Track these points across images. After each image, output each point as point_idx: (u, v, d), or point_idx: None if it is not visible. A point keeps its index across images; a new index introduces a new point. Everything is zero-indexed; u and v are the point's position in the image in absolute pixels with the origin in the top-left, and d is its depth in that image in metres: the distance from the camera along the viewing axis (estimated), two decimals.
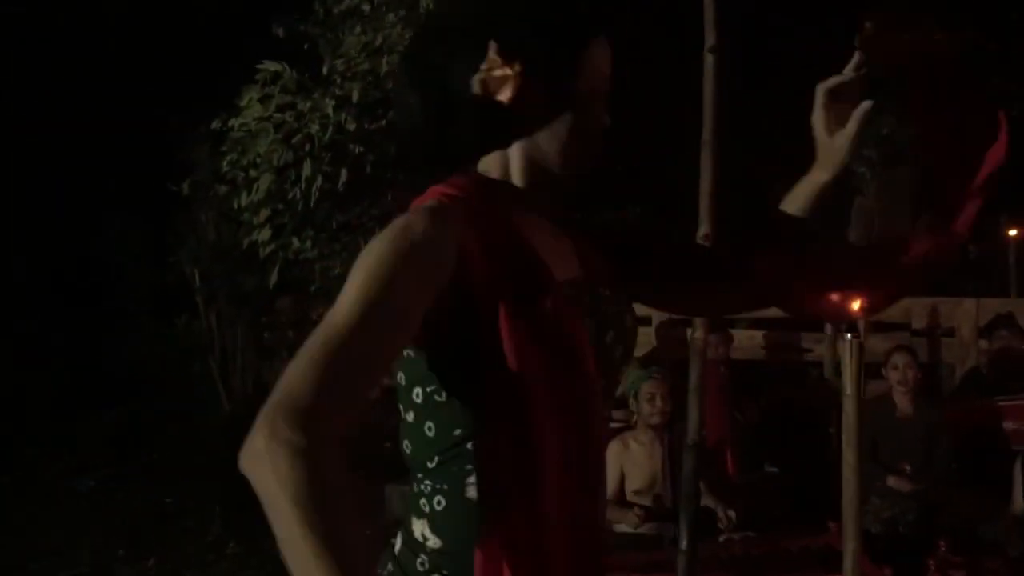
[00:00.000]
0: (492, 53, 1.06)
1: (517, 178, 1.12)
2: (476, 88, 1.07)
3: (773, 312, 5.29)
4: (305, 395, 0.82)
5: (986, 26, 5.98)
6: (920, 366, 4.43)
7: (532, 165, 1.12)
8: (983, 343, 5.11)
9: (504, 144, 1.11)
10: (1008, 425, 4.45)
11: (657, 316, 5.70)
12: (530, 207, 1.13)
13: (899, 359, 4.29)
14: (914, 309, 5.63)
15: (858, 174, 6.32)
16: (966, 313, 5.44)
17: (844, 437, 2.55)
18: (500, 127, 1.09)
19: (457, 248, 0.98)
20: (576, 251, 1.17)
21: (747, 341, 5.69)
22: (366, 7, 4.49)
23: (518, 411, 0.97)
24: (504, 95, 1.07)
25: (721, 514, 3.89)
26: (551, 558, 0.98)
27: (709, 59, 3.18)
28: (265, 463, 0.79)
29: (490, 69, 1.06)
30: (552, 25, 1.10)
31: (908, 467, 4.04)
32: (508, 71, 1.06)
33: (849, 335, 2.55)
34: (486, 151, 1.12)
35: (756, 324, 6.01)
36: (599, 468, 1.11)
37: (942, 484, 4.02)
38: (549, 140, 1.11)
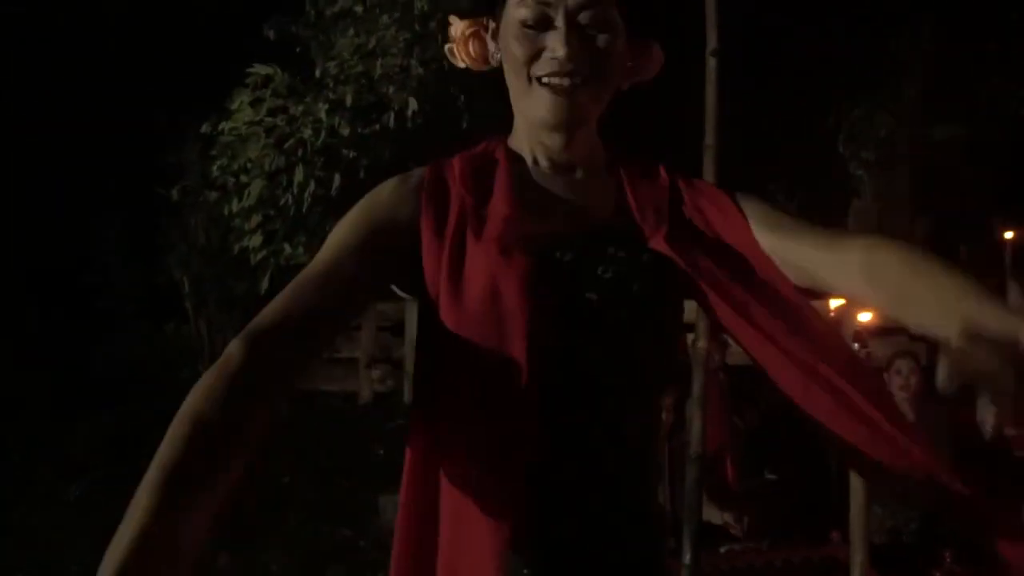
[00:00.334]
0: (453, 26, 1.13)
1: (516, 134, 1.11)
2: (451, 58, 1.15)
3: None
4: (257, 320, 0.93)
5: (986, 26, 5.97)
6: (923, 371, 4.41)
7: (517, 116, 1.10)
8: None
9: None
10: (1009, 431, 4.44)
11: None
12: (518, 158, 1.09)
13: (903, 365, 4.27)
14: None
15: (856, 176, 6.31)
16: None
17: None
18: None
19: (417, 200, 1.03)
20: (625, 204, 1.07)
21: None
22: (359, 8, 4.43)
23: (429, 338, 1.01)
24: (460, 59, 1.13)
25: (731, 522, 3.85)
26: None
27: (711, 62, 3.15)
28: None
29: (454, 40, 1.12)
30: None
31: None
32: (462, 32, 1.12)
33: (856, 345, 2.51)
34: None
35: None
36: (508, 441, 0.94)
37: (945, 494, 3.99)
38: (510, 88, 1.07)
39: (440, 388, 0.99)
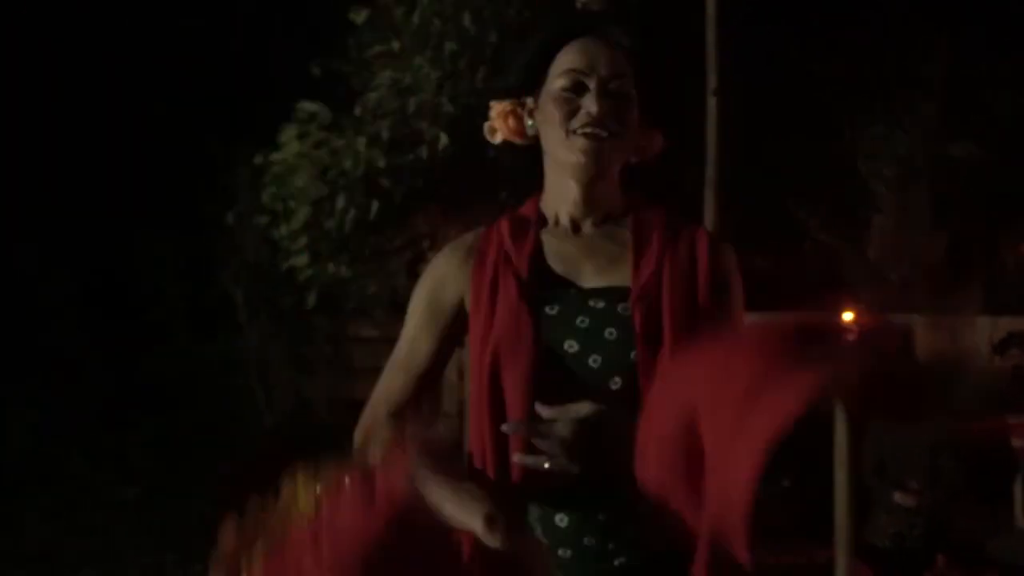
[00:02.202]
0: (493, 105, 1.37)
1: (547, 193, 1.35)
2: (489, 136, 1.39)
3: None
4: (367, 411, 1.37)
5: (1003, 44, 6.07)
6: None
7: (549, 174, 1.34)
8: (998, 360, 5.19)
9: (532, 176, 1.38)
10: (1017, 443, 4.53)
11: None
12: (543, 220, 1.34)
13: None
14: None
15: (876, 192, 6.44)
16: (981, 330, 5.53)
17: (836, 458, 2.71)
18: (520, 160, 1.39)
19: (468, 266, 1.32)
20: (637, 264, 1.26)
21: None
22: (395, 46, 4.77)
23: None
24: (501, 134, 1.37)
25: None
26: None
27: (711, 101, 3.42)
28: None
29: (494, 118, 1.36)
30: (520, 62, 1.37)
31: (914, 483, 4.08)
32: (502, 110, 1.35)
33: None
34: (521, 181, 1.41)
35: None
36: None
37: (948, 500, 4.08)
38: (548, 145, 1.32)
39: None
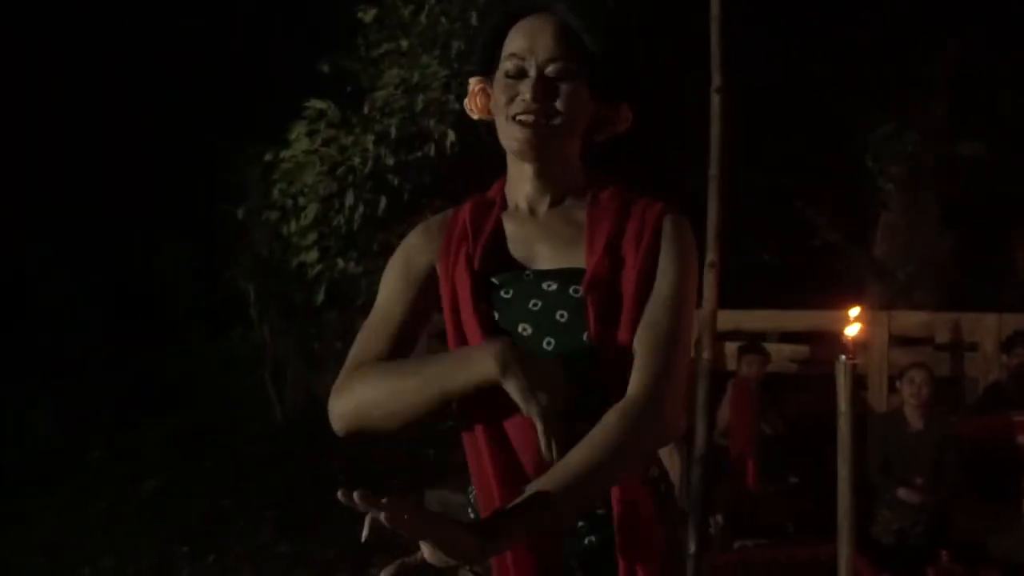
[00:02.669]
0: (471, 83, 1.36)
1: (508, 176, 1.34)
2: (469, 113, 1.39)
3: (800, 325, 5.52)
4: (344, 368, 1.32)
5: (1010, 44, 6.08)
6: (936, 383, 4.42)
7: (508, 158, 1.33)
8: (1005, 358, 5.21)
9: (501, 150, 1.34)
10: (1022, 440, 4.55)
11: None
12: (500, 198, 1.34)
13: (916, 375, 4.33)
14: (937, 324, 5.74)
15: (885, 190, 6.45)
16: (988, 328, 5.54)
17: (839, 453, 2.71)
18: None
19: (439, 239, 1.33)
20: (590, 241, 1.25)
21: (774, 354, 5.82)
22: (404, 44, 4.82)
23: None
24: (471, 111, 1.37)
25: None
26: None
27: (715, 99, 3.43)
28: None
29: (469, 94, 1.36)
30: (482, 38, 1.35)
31: (918, 480, 4.11)
32: (472, 88, 1.35)
33: (843, 357, 2.69)
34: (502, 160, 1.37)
35: (784, 338, 6.17)
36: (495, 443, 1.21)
37: (952, 497, 4.10)
38: (498, 129, 1.30)
39: None
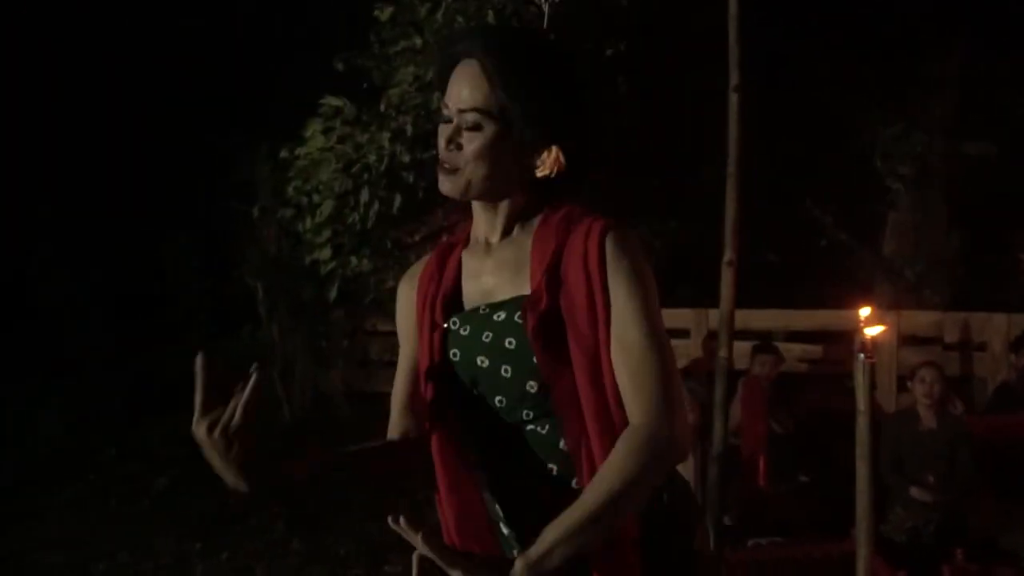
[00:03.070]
0: None
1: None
2: None
3: (809, 324, 5.54)
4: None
5: (1017, 44, 6.10)
6: (947, 381, 4.46)
7: None
8: (1013, 358, 5.24)
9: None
10: None
11: (696, 330, 5.94)
12: (466, 233, 1.40)
13: (926, 374, 4.36)
14: (946, 323, 5.78)
15: (893, 190, 6.48)
16: (997, 328, 5.58)
17: (857, 451, 2.72)
18: None
19: (415, 285, 1.44)
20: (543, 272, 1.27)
21: (784, 353, 5.85)
22: (417, 41, 4.83)
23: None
24: None
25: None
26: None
27: (733, 98, 3.44)
28: None
29: None
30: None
31: (931, 478, 4.13)
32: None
33: (862, 356, 2.70)
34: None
35: (793, 337, 6.19)
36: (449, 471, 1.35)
37: (964, 495, 4.12)
38: None
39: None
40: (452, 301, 1.37)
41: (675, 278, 5.84)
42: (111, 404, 7.17)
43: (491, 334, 1.29)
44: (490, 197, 1.32)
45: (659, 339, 1.22)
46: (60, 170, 8.46)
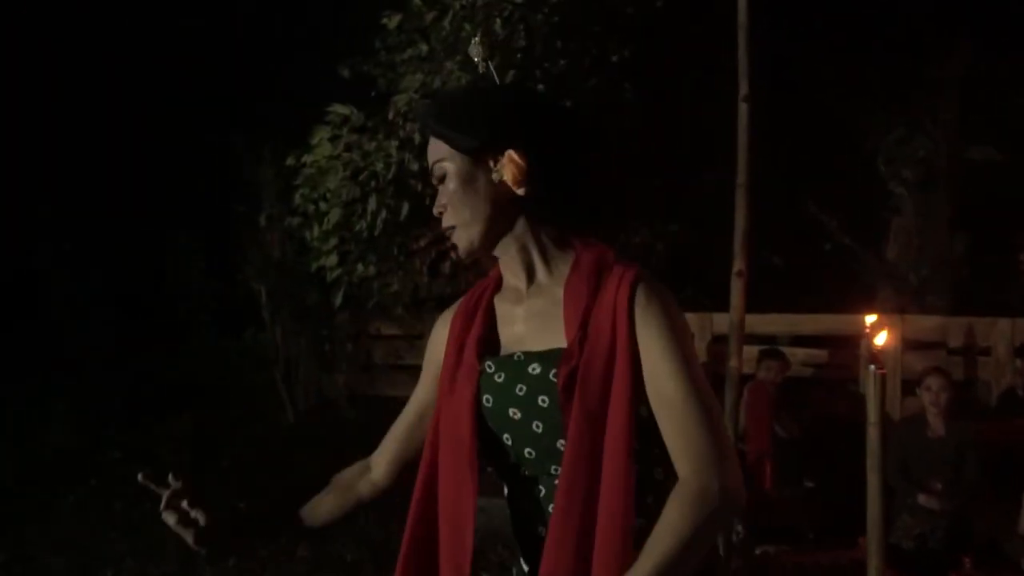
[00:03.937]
0: None
1: None
2: None
3: (814, 328, 5.55)
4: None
5: (1021, 48, 6.11)
6: (954, 387, 4.47)
7: None
8: (1018, 362, 5.24)
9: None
10: None
11: (699, 335, 5.94)
12: (493, 284, 1.41)
13: (933, 381, 4.37)
14: (950, 328, 5.78)
15: (897, 194, 6.49)
16: (1001, 332, 5.58)
17: (868, 462, 2.71)
18: None
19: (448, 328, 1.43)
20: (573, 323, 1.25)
21: (789, 357, 5.84)
22: (424, 48, 4.83)
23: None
24: None
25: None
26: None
27: (743, 108, 3.45)
28: None
29: None
30: None
31: (938, 485, 4.14)
32: None
33: (872, 367, 2.69)
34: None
35: (797, 341, 6.20)
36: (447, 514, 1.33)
37: (971, 502, 4.13)
38: None
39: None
40: (486, 344, 1.35)
41: (677, 281, 5.84)
42: (113, 405, 7.18)
43: (525, 387, 1.27)
44: (494, 239, 1.33)
45: (699, 390, 1.20)
46: (62, 171, 8.47)
